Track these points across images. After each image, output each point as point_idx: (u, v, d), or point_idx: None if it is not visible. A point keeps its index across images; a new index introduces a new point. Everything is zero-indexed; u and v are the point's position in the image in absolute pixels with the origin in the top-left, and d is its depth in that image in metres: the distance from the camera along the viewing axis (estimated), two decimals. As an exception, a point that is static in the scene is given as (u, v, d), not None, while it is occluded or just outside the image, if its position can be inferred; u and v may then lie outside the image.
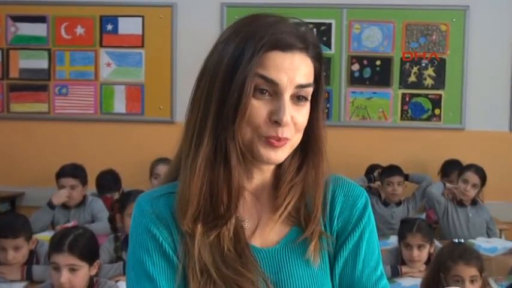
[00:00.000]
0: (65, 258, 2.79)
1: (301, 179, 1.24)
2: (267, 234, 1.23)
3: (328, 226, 1.25)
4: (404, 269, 3.57)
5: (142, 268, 1.18)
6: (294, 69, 1.15)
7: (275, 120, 1.14)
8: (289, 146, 1.18)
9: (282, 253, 1.21)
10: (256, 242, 1.22)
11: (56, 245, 2.85)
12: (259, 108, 1.14)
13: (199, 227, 1.17)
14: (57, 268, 2.80)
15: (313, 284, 1.20)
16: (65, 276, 2.77)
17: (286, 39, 1.15)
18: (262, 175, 1.24)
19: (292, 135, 1.17)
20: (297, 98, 1.17)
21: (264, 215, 1.24)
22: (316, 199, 1.23)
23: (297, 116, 1.16)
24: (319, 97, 1.22)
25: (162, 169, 4.74)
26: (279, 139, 1.15)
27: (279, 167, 1.25)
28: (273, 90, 1.15)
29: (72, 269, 2.80)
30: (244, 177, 1.22)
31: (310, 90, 1.18)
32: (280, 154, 1.17)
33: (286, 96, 1.14)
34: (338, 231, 1.25)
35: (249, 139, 1.16)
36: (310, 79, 1.18)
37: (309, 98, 1.19)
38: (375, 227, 1.29)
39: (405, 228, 3.63)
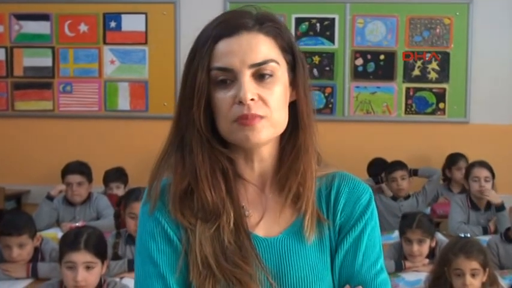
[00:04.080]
0: (82, 256, 2.81)
1: (296, 156, 1.25)
2: (271, 224, 1.25)
3: (332, 220, 1.27)
4: (407, 263, 3.57)
5: (147, 253, 1.21)
6: (243, 50, 1.17)
7: (239, 100, 1.16)
8: (269, 125, 1.19)
9: (284, 243, 1.23)
10: (260, 231, 1.24)
11: (71, 244, 2.85)
12: (223, 98, 1.18)
13: (198, 221, 1.20)
14: (72, 267, 2.81)
15: (313, 275, 1.22)
16: (82, 274, 2.79)
17: (229, 25, 1.18)
18: (263, 164, 1.26)
19: (266, 112, 1.17)
20: (261, 76, 1.18)
21: (269, 205, 1.26)
22: (306, 170, 1.24)
23: (264, 93, 1.17)
24: (297, 73, 1.23)
25: None
26: (247, 116, 1.16)
27: (280, 153, 1.26)
28: (231, 76, 1.17)
29: (88, 267, 2.82)
30: (247, 169, 1.26)
31: (273, 66, 1.19)
32: (258, 133, 1.17)
33: (244, 76, 1.16)
34: (341, 225, 1.26)
35: (227, 129, 1.19)
36: (268, 56, 1.19)
37: (276, 74, 1.19)
38: (378, 224, 1.30)
39: (405, 223, 3.61)
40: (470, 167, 4.76)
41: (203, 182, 1.19)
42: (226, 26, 1.18)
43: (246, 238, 1.20)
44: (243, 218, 1.22)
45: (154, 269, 1.20)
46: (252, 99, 1.16)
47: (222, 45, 1.17)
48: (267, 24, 1.20)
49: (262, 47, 1.18)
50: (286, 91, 1.22)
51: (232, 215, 1.20)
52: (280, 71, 1.20)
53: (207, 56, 1.17)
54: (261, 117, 1.17)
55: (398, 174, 5.01)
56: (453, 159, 5.36)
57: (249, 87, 1.16)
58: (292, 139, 1.24)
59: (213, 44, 1.17)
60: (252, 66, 1.17)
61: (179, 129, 1.22)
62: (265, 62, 1.18)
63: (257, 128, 1.17)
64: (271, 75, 1.19)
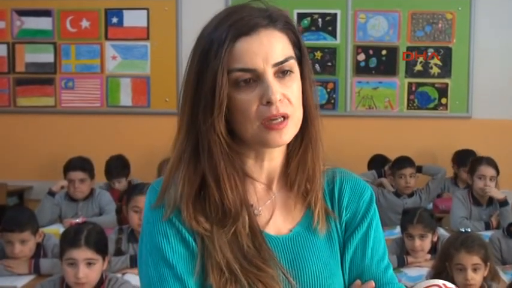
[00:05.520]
0: (83, 253, 2.80)
1: (305, 150, 1.25)
2: (281, 222, 1.25)
3: (337, 216, 1.28)
4: (410, 259, 3.57)
5: (161, 254, 1.18)
6: (264, 49, 1.15)
7: (267, 101, 1.14)
8: (293, 125, 1.18)
9: (295, 241, 1.24)
10: (271, 230, 1.24)
11: (71, 241, 2.84)
12: (248, 99, 1.15)
13: (214, 227, 1.18)
14: (73, 264, 2.80)
15: (326, 272, 1.22)
16: (83, 271, 2.78)
17: (246, 23, 1.15)
18: (273, 162, 1.26)
19: (291, 110, 1.17)
20: (282, 74, 1.17)
21: (278, 202, 1.26)
22: (314, 163, 1.25)
23: (287, 92, 1.16)
24: (303, 67, 1.22)
25: None
26: (276, 116, 1.14)
27: (288, 149, 1.26)
28: (254, 76, 1.15)
29: (89, 263, 2.81)
30: (256, 168, 1.25)
31: (292, 63, 1.18)
32: (285, 134, 1.17)
33: (268, 76, 1.15)
34: (347, 222, 1.28)
35: (253, 131, 1.16)
36: (287, 53, 1.18)
37: (295, 69, 1.19)
38: (380, 220, 1.32)
39: (406, 219, 3.61)
40: (476, 163, 4.65)
41: (226, 188, 1.17)
42: (243, 24, 1.15)
43: (263, 241, 1.19)
44: (256, 220, 1.21)
45: (170, 270, 1.16)
46: (279, 99, 1.15)
47: (242, 45, 1.14)
48: (279, 20, 1.18)
49: (280, 45, 1.17)
50: (300, 86, 1.21)
51: (246, 218, 1.19)
52: (296, 66, 1.20)
53: (225, 57, 1.13)
54: (288, 116, 1.16)
55: (408, 171, 4.93)
56: (462, 158, 5.27)
57: (276, 87, 1.14)
58: (300, 133, 1.23)
59: (232, 44, 1.14)
60: (276, 65, 1.15)
61: (192, 135, 1.18)
62: (286, 60, 1.17)
63: (283, 131, 1.16)
64: (291, 73, 1.18)
